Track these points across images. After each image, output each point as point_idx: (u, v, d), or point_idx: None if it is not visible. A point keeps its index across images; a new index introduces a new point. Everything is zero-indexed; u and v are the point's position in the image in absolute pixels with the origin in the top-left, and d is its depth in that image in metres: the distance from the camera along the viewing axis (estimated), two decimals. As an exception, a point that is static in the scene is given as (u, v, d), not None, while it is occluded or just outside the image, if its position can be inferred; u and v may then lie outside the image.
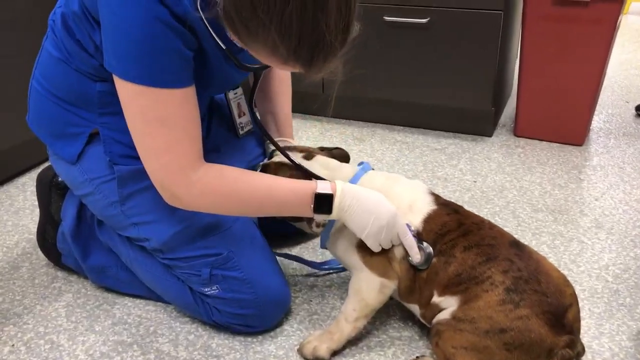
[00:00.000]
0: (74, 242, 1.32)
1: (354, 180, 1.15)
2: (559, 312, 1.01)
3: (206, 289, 1.19)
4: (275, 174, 1.15)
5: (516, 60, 2.52)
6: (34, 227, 1.65)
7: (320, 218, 1.11)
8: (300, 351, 1.17)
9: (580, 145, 2.09)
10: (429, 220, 1.12)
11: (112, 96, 1.06)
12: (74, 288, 1.40)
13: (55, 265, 1.45)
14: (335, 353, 1.16)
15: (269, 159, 1.26)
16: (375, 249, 1.09)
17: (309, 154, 1.22)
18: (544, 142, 2.12)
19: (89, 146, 1.18)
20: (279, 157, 1.21)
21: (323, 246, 1.20)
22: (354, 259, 1.14)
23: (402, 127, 2.25)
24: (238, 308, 1.18)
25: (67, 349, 1.21)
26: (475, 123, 2.16)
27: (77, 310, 1.32)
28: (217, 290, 1.18)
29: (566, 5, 1.91)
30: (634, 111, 2.40)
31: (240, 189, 1.06)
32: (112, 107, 1.11)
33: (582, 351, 1.10)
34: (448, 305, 1.06)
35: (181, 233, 1.17)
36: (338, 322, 1.16)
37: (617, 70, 2.95)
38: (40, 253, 1.50)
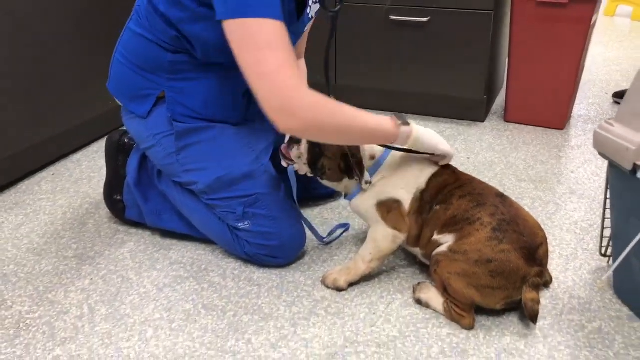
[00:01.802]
0: (136, 189, 1.63)
1: (385, 153, 1.43)
2: (533, 248, 1.30)
3: (240, 224, 1.49)
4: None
5: (506, 54, 2.81)
6: (93, 192, 1.94)
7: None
8: (323, 281, 1.46)
9: (562, 129, 2.39)
10: (433, 177, 1.41)
11: (180, 65, 1.40)
12: (134, 238, 1.69)
13: (119, 219, 1.74)
14: (351, 284, 1.45)
15: None
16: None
17: None
18: (530, 127, 2.41)
19: (155, 107, 1.49)
20: None
21: (349, 199, 1.48)
22: (374, 215, 1.42)
23: (405, 114, 2.54)
24: (264, 240, 1.48)
25: (136, 282, 1.50)
26: (470, 110, 2.46)
27: (140, 255, 1.62)
28: (248, 225, 1.48)
29: (548, 6, 2.20)
30: (611, 100, 2.69)
31: (343, 111, 1.24)
32: (179, 74, 1.44)
33: (550, 280, 1.41)
34: (445, 241, 1.35)
35: (222, 178, 1.47)
36: (356, 262, 1.45)
37: (601, 67, 3.24)
38: (102, 212, 1.81)
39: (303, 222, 1.56)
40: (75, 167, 2.13)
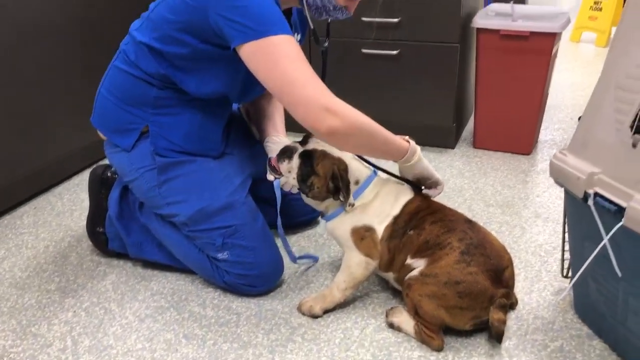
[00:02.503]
0: (118, 222, 1.68)
1: (368, 179, 1.50)
2: (499, 270, 1.38)
3: (219, 255, 1.55)
4: (322, 161, 1.44)
5: (473, 83, 2.93)
6: (74, 225, 1.99)
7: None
8: (299, 309, 1.52)
9: (529, 154, 2.49)
10: (407, 204, 1.49)
11: (165, 100, 1.49)
12: (116, 270, 1.74)
13: (102, 251, 1.79)
14: (327, 311, 1.52)
15: (303, 144, 1.49)
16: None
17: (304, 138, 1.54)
18: (498, 152, 2.51)
19: (139, 141, 1.55)
20: (315, 144, 1.47)
21: (326, 219, 1.53)
22: (347, 240, 1.48)
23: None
24: (243, 270, 1.54)
25: (118, 313, 1.55)
26: (440, 137, 2.56)
27: (122, 286, 1.66)
28: (227, 255, 1.54)
29: (511, 39, 2.32)
30: (577, 124, 2.80)
31: (370, 122, 1.33)
32: (164, 108, 1.52)
33: (516, 302, 1.49)
34: (418, 265, 1.42)
35: (203, 210, 1.53)
36: (331, 290, 1.51)
37: (566, 92, 3.37)
38: (84, 244, 1.85)
39: (280, 236, 1.60)
40: (56, 201, 2.17)
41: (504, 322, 1.35)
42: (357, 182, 1.48)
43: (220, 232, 1.53)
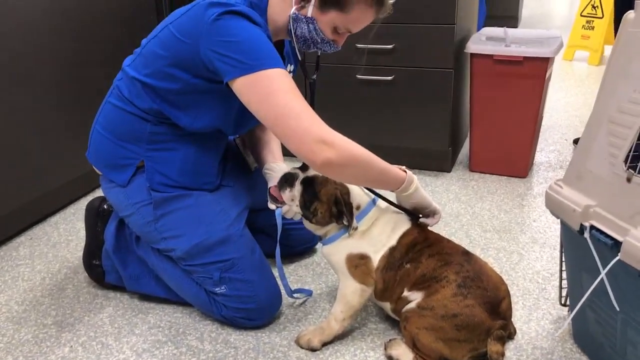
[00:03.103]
0: (114, 255, 1.67)
1: (368, 206, 1.49)
2: (496, 302, 1.38)
3: (217, 289, 1.54)
4: (324, 186, 1.45)
5: (468, 107, 2.95)
6: (71, 256, 1.98)
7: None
8: (297, 342, 1.52)
9: (524, 177, 2.50)
10: (404, 235, 1.49)
11: (160, 135, 1.49)
12: (113, 303, 1.73)
13: (98, 284, 1.78)
14: (325, 343, 1.51)
15: (303, 171, 1.49)
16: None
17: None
18: (494, 176, 2.52)
19: (134, 177, 1.55)
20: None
21: (324, 243, 1.52)
22: (342, 267, 1.48)
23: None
24: (241, 303, 1.53)
25: (115, 347, 1.54)
26: (436, 161, 2.57)
27: (119, 319, 1.65)
28: (225, 289, 1.54)
29: (505, 63, 2.34)
30: (572, 146, 2.82)
31: (367, 151, 1.33)
32: (159, 144, 1.52)
33: (514, 332, 1.48)
34: (414, 298, 1.42)
35: (199, 244, 1.53)
36: (329, 322, 1.50)
37: (561, 112, 3.40)
38: (80, 276, 1.84)
39: (277, 268, 1.59)
40: (53, 231, 2.17)
41: (502, 354, 1.35)
42: (358, 207, 1.48)
43: (217, 266, 1.53)
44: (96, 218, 1.77)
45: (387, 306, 1.52)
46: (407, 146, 2.54)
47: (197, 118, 1.46)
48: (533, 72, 2.32)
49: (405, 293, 1.44)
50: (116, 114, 1.53)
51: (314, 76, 1.59)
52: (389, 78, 2.42)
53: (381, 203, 1.52)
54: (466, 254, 1.47)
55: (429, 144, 2.51)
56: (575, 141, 2.79)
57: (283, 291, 1.64)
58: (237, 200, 1.65)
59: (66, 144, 2.25)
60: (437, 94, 2.40)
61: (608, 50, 4.69)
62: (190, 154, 1.55)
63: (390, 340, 1.49)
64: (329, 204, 1.46)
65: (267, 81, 1.29)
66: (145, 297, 1.72)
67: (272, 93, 1.28)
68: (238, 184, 1.71)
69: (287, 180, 1.49)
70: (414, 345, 1.40)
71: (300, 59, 1.50)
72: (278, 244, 1.59)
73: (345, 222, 1.45)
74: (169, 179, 1.54)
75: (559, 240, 1.97)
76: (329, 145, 1.27)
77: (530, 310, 1.62)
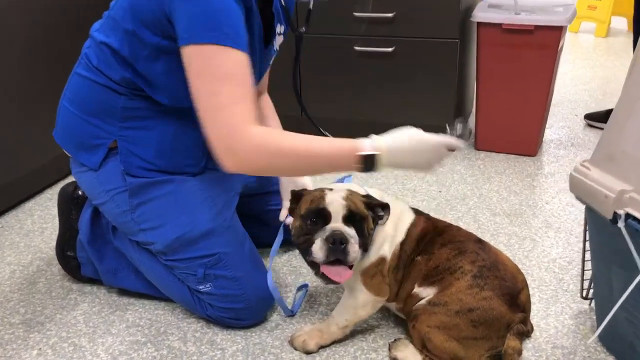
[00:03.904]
0: (90, 247, 1.51)
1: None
2: (514, 293, 1.23)
3: (201, 287, 1.38)
4: (356, 204, 1.22)
5: (474, 81, 2.78)
6: (44, 246, 1.82)
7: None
8: (291, 342, 1.36)
9: (534, 155, 2.34)
10: (412, 227, 1.33)
11: (134, 111, 1.31)
12: (88, 298, 1.57)
13: (74, 277, 1.62)
14: (322, 346, 1.35)
15: (336, 210, 1.22)
16: (434, 170, 1.26)
17: (328, 188, 1.30)
18: (502, 154, 2.36)
19: (107, 160, 1.38)
20: (341, 202, 1.22)
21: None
22: (355, 280, 1.30)
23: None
24: (228, 303, 1.37)
25: (89, 350, 1.38)
26: (440, 139, 2.39)
27: (94, 317, 1.50)
28: (210, 288, 1.38)
29: (514, 32, 2.16)
30: (582, 122, 2.66)
31: (294, 147, 1.18)
32: (133, 121, 1.34)
33: (531, 329, 1.32)
34: (426, 294, 1.26)
35: (181, 237, 1.36)
36: (329, 325, 1.35)
37: (569, 86, 3.22)
38: (54, 268, 1.68)
39: (272, 292, 1.40)
40: (26, 218, 2.00)
41: (520, 352, 1.20)
42: None
43: (201, 262, 1.36)
44: (70, 205, 1.60)
45: (392, 306, 1.37)
46: (407, 122, 2.35)
47: (173, 90, 1.29)
48: (545, 42, 2.14)
49: (416, 289, 1.29)
50: (84, 86, 1.36)
51: (303, 29, 1.41)
52: (389, 50, 2.24)
53: (373, 192, 1.35)
54: (479, 241, 1.31)
55: (431, 120, 2.32)
56: (587, 116, 2.63)
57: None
58: (225, 185, 1.48)
59: (41, 122, 2.06)
60: (441, 67, 2.23)
61: (615, 21, 4.49)
62: (169, 133, 1.37)
63: (395, 340, 1.34)
64: (365, 211, 1.25)
65: (205, 58, 1.15)
66: (124, 292, 1.57)
67: (205, 75, 1.16)
68: None
69: (339, 240, 1.17)
70: (423, 347, 1.25)
71: (283, 4, 1.34)
72: (270, 269, 1.42)
73: (382, 213, 1.27)
74: (145, 162, 1.37)
75: (574, 225, 1.82)
76: (234, 155, 1.17)
77: (547, 304, 1.47)
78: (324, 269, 1.19)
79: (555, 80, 2.31)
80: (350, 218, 1.21)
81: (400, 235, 1.31)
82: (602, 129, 2.57)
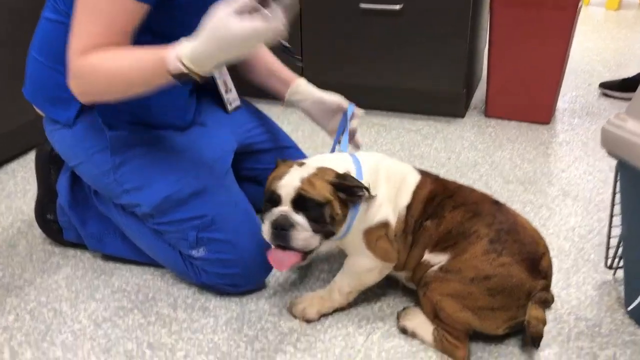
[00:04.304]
0: (71, 211, 1.39)
1: (356, 163, 1.18)
2: (535, 259, 1.11)
3: (193, 252, 1.26)
4: (313, 187, 1.09)
5: (485, 45, 2.64)
6: (26, 209, 1.69)
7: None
8: (289, 310, 1.25)
9: (547, 123, 2.21)
10: (418, 189, 1.20)
11: None
12: (71, 262, 1.45)
13: (57, 241, 1.50)
14: (323, 315, 1.24)
15: (283, 194, 1.12)
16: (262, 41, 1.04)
17: (299, 163, 1.19)
18: (513, 122, 2.23)
19: (82, 115, 1.25)
20: (293, 184, 1.11)
21: (343, 237, 1.20)
22: (358, 244, 1.18)
23: (378, 111, 2.34)
24: (223, 268, 1.26)
25: (70, 315, 1.27)
26: (448, 105, 2.27)
27: (77, 281, 1.38)
28: (203, 252, 1.26)
29: (531, -9, 2.03)
30: (597, 92, 2.53)
31: (107, 67, 1.07)
32: None
33: (552, 300, 1.21)
34: (438, 261, 1.15)
35: (170, 197, 1.24)
36: (331, 292, 1.23)
37: (580, 57, 3.09)
38: (36, 232, 1.56)
39: None
40: (8, 179, 1.87)
41: (544, 322, 1.08)
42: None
43: (193, 224, 1.24)
44: (48, 165, 1.47)
45: (401, 275, 1.25)
46: (415, 87, 2.24)
47: (152, 22, 1.14)
48: (564, 1, 2.01)
49: (427, 256, 1.17)
50: (52, 31, 1.22)
51: None
52: (396, 7, 2.10)
53: (364, 155, 1.23)
54: (496, 203, 1.20)
55: (440, 85, 2.20)
56: (602, 85, 2.50)
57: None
58: (218, 141, 1.36)
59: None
60: (452, 27, 2.09)
61: (627, -6, 4.34)
62: None
63: (404, 308, 1.22)
64: (334, 196, 1.11)
65: None
66: (111, 256, 1.45)
67: (81, 5, 1.07)
68: (218, 122, 1.41)
69: (281, 226, 1.09)
70: (435, 316, 1.13)
71: None
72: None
73: (361, 194, 1.13)
74: (127, 114, 1.24)
75: (593, 193, 1.70)
76: (70, 77, 1.10)
77: (567, 274, 1.36)
78: (268, 254, 1.13)
79: (572, 43, 2.18)
80: (301, 203, 1.10)
81: (405, 199, 1.19)
82: (618, 97, 2.46)
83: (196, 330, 1.21)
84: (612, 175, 1.23)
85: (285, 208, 1.10)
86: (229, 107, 1.44)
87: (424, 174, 1.25)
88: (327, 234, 1.13)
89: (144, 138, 1.26)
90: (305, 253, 1.13)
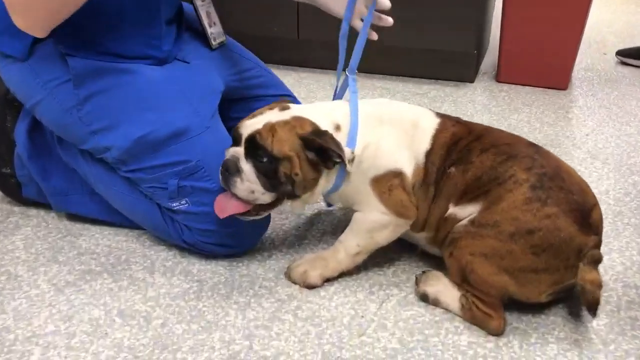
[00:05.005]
0: (30, 162, 1.19)
1: (352, 119, 1.00)
2: (585, 210, 0.94)
3: (174, 204, 1.07)
4: (275, 137, 0.95)
5: (494, 10, 2.47)
6: (-15, 166, 1.49)
7: None
8: (287, 274, 1.06)
9: (564, 89, 2.04)
10: (438, 133, 1.02)
11: None
12: (32, 222, 1.25)
13: (15, 199, 1.30)
14: (327, 280, 1.05)
15: (239, 135, 1.00)
16: None
17: (282, 106, 1.04)
18: (528, 87, 2.06)
19: (39, 44, 1.04)
20: (252, 125, 0.98)
21: (331, 192, 1.04)
22: (367, 196, 1.01)
23: (381, 75, 2.15)
24: (210, 224, 1.06)
25: (26, 280, 1.07)
26: (457, 68, 2.08)
27: (38, 243, 1.18)
28: (186, 205, 1.07)
29: (551, -58, 1.85)
30: (614, 60, 2.37)
31: None
32: None
33: (601, 260, 1.02)
34: (466, 214, 0.96)
35: (145, 138, 1.04)
36: (336, 252, 1.05)
37: (592, 28, 2.92)
38: (-7, 189, 1.35)
39: None
40: (-33, 136, 1.66)
41: (601, 286, 0.89)
42: (338, 128, 0.99)
43: (173, 170, 1.05)
44: (4, 110, 1.26)
45: (421, 237, 1.06)
46: (423, 48, 2.06)
47: None
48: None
49: (452, 209, 0.98)
50: None
51: None
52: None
53: (366, 103, 1.06)
54: (534, 145, 1.02)
55: (450, 45, 2.02)
56: (619, 53, 2.34)
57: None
58: (202, 79, 1.17)
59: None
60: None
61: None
62: (119, 4, 1.04)
63: (423, 272, 1.04)
64: (298, 152, 0.95)
65: None
66: (79, 216, 1.25)
67: None
68: (201, 58, 1.21)
69: (227, 168, 0.97)
70: (463, 280, 0.95)
71: None
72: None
73: (337, 159, 0.95)
74: (92, 43, 1.04)
75: (624, 156, 1.54)
76: (12, 13, 0.95)
77: (608, 239, 1.19)
78: (217, 198, 1.01)
79: (591, 5, 2.00)
80: (253, 150, 0.95)
81: (424, 144, 1.01)
82: (635, 65, 2.29)
83: (176, 296, 1.02)
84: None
85: (238, 149, 0.97)
86: (213, 43, 1.24)
87: (443, 116, 1.06)
88: (287, 194, 0.98)
89: (115, 69, 1.05)
90: (256, 206, 0.99)
